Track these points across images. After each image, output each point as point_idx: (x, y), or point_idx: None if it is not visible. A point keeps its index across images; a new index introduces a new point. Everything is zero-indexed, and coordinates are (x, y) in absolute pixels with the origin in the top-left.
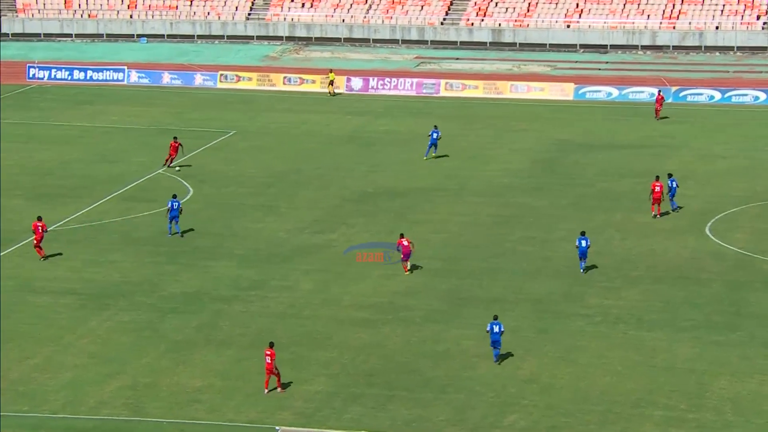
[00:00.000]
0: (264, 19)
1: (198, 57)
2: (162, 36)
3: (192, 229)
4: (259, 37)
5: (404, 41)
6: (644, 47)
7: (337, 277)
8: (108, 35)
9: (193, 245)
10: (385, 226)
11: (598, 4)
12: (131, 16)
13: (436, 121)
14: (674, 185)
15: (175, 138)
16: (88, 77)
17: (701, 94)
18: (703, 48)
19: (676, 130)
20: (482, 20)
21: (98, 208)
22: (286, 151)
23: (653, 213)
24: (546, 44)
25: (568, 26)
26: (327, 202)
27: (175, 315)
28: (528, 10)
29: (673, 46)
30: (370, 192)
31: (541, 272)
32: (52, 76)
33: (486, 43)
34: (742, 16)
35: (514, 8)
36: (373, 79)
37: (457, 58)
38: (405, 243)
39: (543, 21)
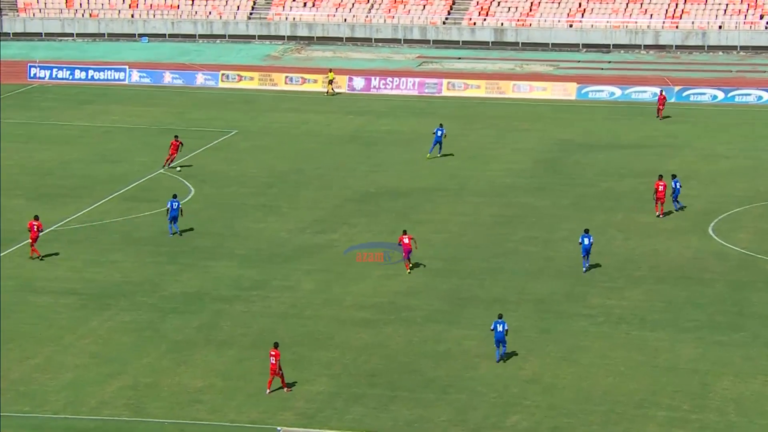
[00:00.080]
0: (266, 18)
1: (199, 56)
2: (163, 35)
3: (192, 229)
4: (261, 37)
5: (406, 41)
6: (647, 47)
7: (339, 277)
8: (109, 35)
9: (194, 245)
10: (386, 226)
11: (600, 3)
12: (132, 16)
13: (438, 121)
14: (678, 186)
15: (176, 137)
16: (89, 77)
17: (704, 93)
18: (706, 47)
19: (679, 129)
20: (484, 20)
21: (99, 208)
22: (288, 150)
23: (657, 213)
24: (548, 44)
25: (571, 26)
26: (328, 202)
27: (176, 315)
28: (530, 10)
29: (676, 46)
30: (372, 192)
31: (543, 272)
32: (53, 76)
33: (488, 42)
34: (746, 15)
35: (517, 7)
36: (375, 79)
37: (460, 58)
38: (406, 240)
39: (545, 20)
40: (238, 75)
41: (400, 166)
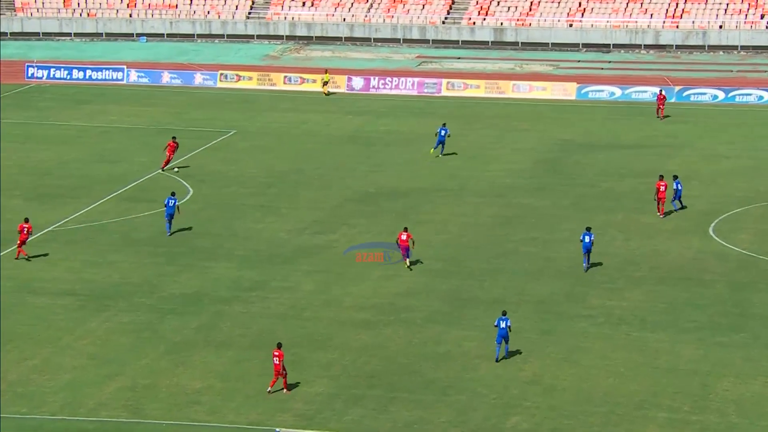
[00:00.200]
0: (264, 18)
1: (198, 56)
2: (162, 35)
3: (190, 228)
4: (260, 36)
5: (405, 40)
6: (647, 46)
7: (338, 277)
8: (107, 34)
9: (192, 246)
10: (386, 227)
11: (600, 3)
12: (131, 15)
13: (438, 121)
14: (679, 187)
15: (173, 138)
16: (87, 77)
17: (705, 93)
18: (706, 47)
19: (680, 129)
20: (484, 19)
21: (97, 209)
22: (287, 150)
23: (659, 213)
24: (548, 43)
25: (571, 25)
26: (328, 203)
27: (174, 316)
28: (530, 9)
29: (676, 46)
30: (372, 192)
31: (543, 273)
32: (51, 76)
33: (488, 42)
34: (746, 15)
35: (516, 7)
36: (374, 79)
37: (459, 58)
38: (404, 237)
39: (545, 20)
40: (237, 75)
41: (400, 166)
